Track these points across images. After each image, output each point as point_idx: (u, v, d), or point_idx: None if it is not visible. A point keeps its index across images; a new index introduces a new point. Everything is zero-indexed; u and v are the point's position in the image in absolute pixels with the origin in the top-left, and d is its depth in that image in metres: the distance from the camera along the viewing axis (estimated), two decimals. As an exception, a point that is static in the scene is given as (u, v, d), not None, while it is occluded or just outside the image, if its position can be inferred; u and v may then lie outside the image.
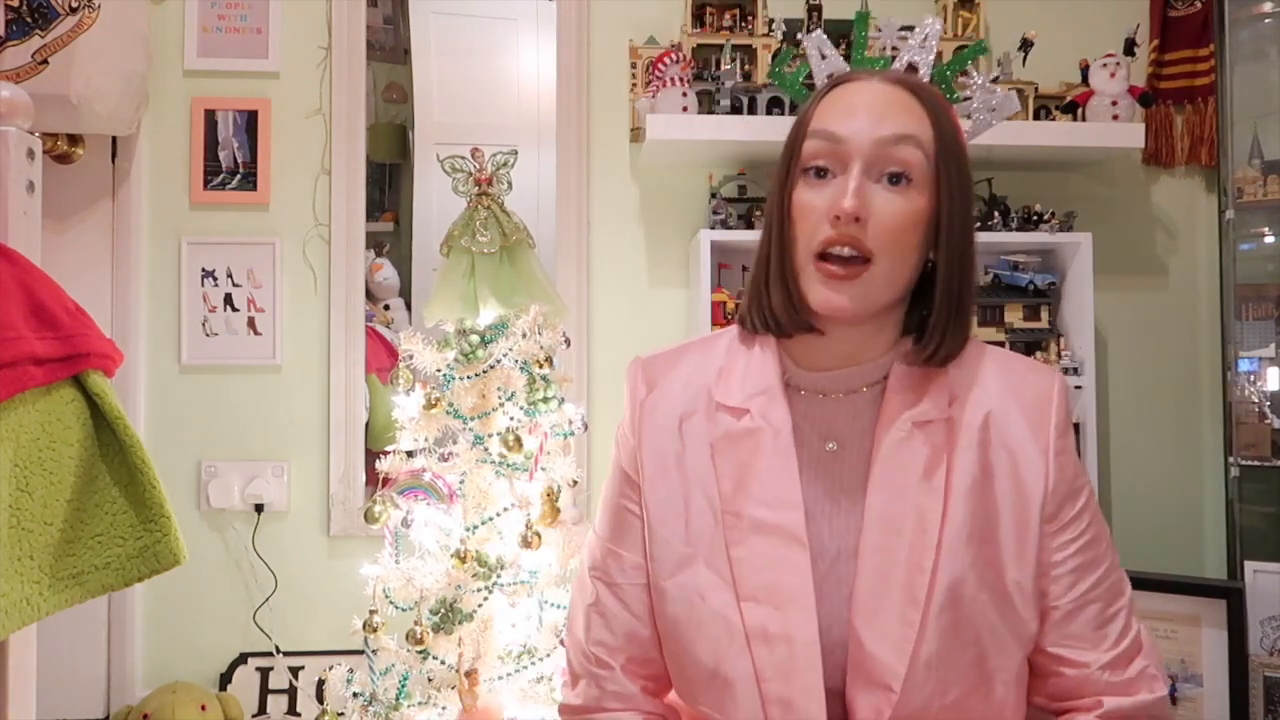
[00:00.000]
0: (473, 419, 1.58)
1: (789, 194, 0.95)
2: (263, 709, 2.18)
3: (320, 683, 2.13)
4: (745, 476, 0.97)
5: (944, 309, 0.95)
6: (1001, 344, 2.21)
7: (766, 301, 0.98)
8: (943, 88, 1.00)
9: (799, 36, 0.99)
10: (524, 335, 1.58)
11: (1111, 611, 0.96)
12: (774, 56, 2.22)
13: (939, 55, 2.23)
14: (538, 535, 1.52)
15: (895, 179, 0.91)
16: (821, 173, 0.93)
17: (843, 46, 0.97)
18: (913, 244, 0.92)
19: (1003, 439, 0.95)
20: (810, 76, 1.04)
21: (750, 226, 2.17)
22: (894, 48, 1.03)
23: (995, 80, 2.21)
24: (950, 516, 0.92)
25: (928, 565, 0.90)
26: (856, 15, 1.05)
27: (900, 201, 0.91)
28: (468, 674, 1.50)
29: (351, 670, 1.62)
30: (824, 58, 1.04)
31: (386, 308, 2.83)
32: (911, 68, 1.01)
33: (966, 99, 1.01)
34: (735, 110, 2.13)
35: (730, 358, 1.03)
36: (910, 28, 1.02)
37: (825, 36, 1.04)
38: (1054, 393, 0.97)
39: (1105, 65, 2.18)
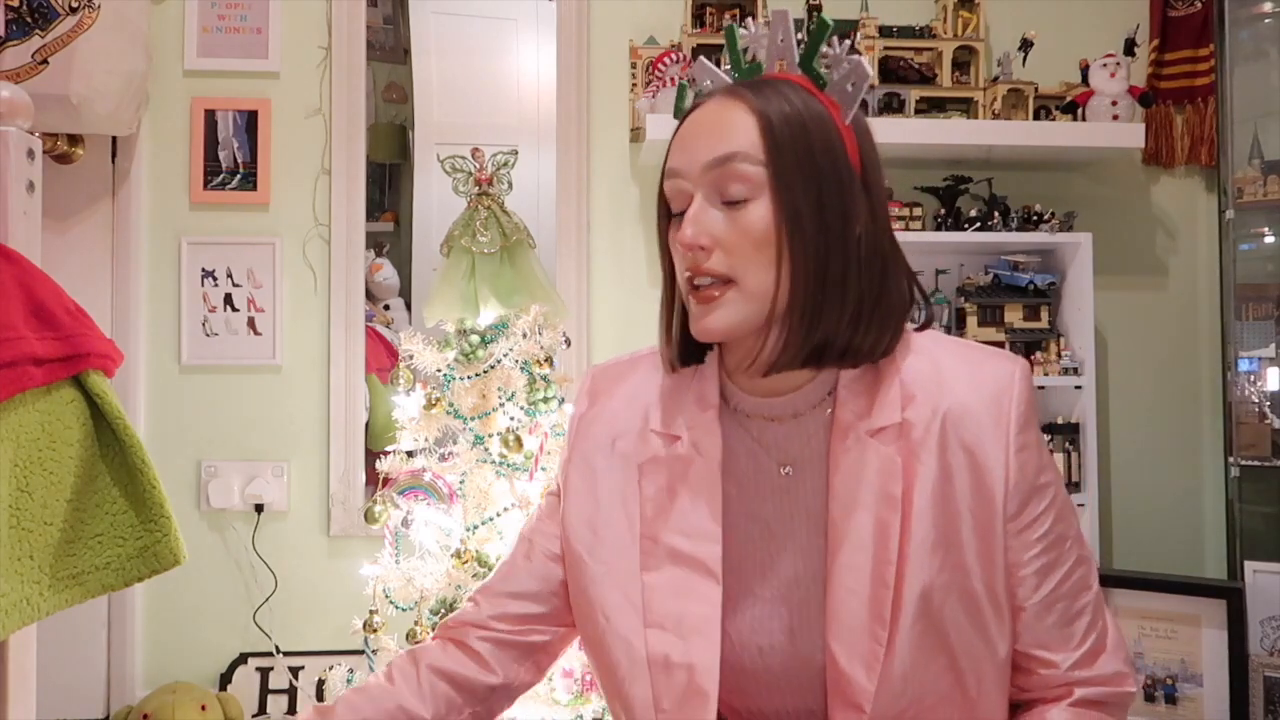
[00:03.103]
0: (473, 419, 1.58)
1: (664, 236, 0.98)
2: (263, 709, 2.18)
3: (320, 683, 2.14)
4: (667, 503, 0.96)
5: (791, 316, 0.90)
6: (1001, 344, 2.21)
7: (661, 340, 1.01)
8: (810, 76, 0.97)
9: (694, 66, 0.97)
10: (524, 335, 1.59)
11: (1077, 608, 0.94)
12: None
13: (936, 54, 2.23)
14: (538, 535, 1.52)
15: (731, 200, 0.90)
16: (681, 211, 0.94)
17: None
18: (771, 256, 0.89)
19: (961, 438, 0.92)
20: None
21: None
22: (762, 52, 1.01)
23: (996, 80, 2.22)
24: (913, 526, 0.90)
25: (891, 579, 0.89)
26: (725, 31, 1.03)
27: (740, 219, 0.89)
28: (468, 674, 1.50)
29: (351, 670, 1.62)
30: (711, 82, 1.02)
31: (386, 308, 2.83)
32: (781, 65, 0.99)
33: (834, 77, 0.97)
34: (735, 110, 2.12)
35: (674, 379, 1.02)
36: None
37: (705, 61, 1.03)
38: (1014, 382, 0.94)
39: (1105, 65, 2.18)
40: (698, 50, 2.20)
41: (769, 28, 1.00)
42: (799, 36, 1.00)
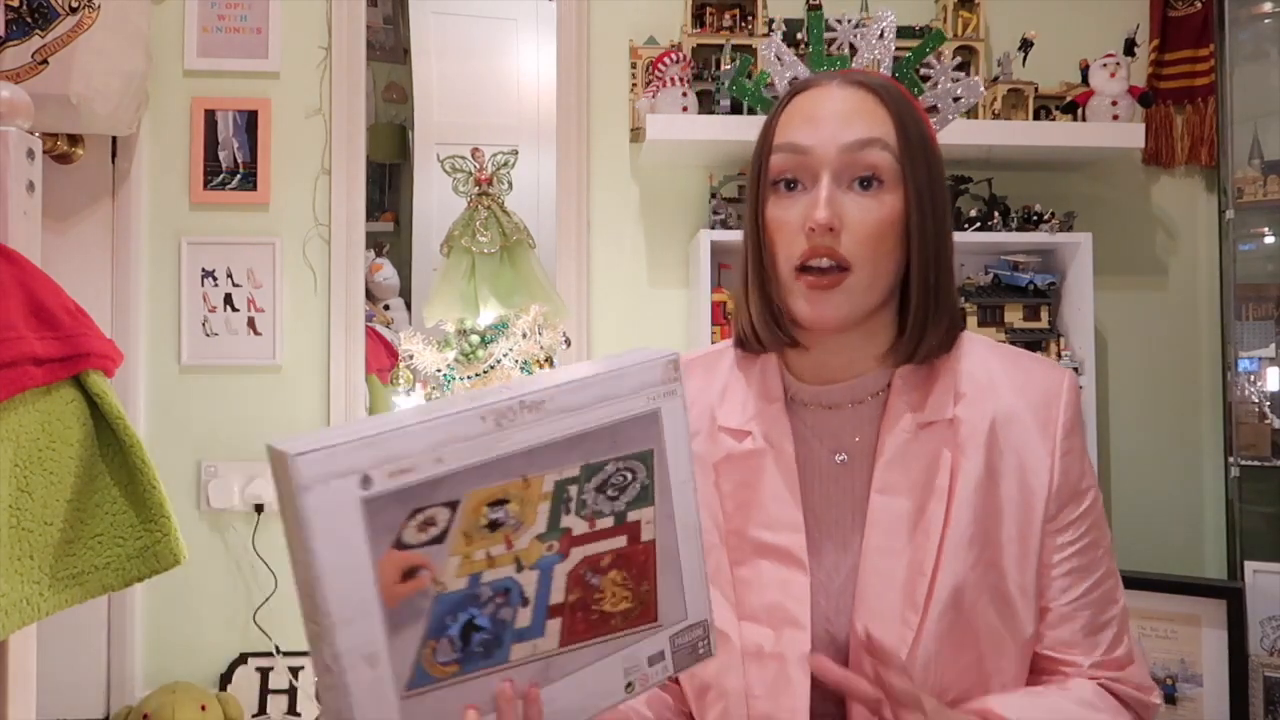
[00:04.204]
0: (473, 419, 1.58)
1: (761, 210, 0.95)
2: (263, 709, 2.18)
3: (320, 683, 2.14)
4: (747, 498, 0.97)
5: (920, 307, 0.94)
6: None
7: (747, 319, 0.99)
8: (905, 82, 0.99)
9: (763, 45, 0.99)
10: (524, 335, 1.59)
11: (1104, 619, 0.95)
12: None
13: (939, 55, 2.23)
14: (538, 535, 1.52)
15: (866, 183, 0.91)
16: (791, 185, 0.93)
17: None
18: (891, 247, 0.91)
19: (1010, 441, 0.94)
20: (770, 84, 1.04)
21: (750, 226, 2.18)
22: (851, 45, 1.02)
23: (996, 80, 2.22)
24: (953, 519, 0.91)
25: (928, 568, 0.90)
26: (810, 15, 1.04)
27: (873, 206, 0.90)
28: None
29: (351, 670, 1.62)
30: (781, 63, 1.03)
31: (386, 308, 2.83)
32: (873, 64, 1.00)
33: (934, 87, 1.00)
34: (735, 110, 2.13)
35: (733, 376, 1.03)
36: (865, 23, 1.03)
37: (781, 41, 1.04)
38: (1063, 390, 0.96)
39: (1105, 65, 2.18)
40: (698, 50, 2.20)
41: (864, 25, 1.02)
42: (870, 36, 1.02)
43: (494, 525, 0.82)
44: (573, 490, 0.83)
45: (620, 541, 0.84)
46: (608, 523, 0.84)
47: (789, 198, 0.93)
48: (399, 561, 0.78)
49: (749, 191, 0.98)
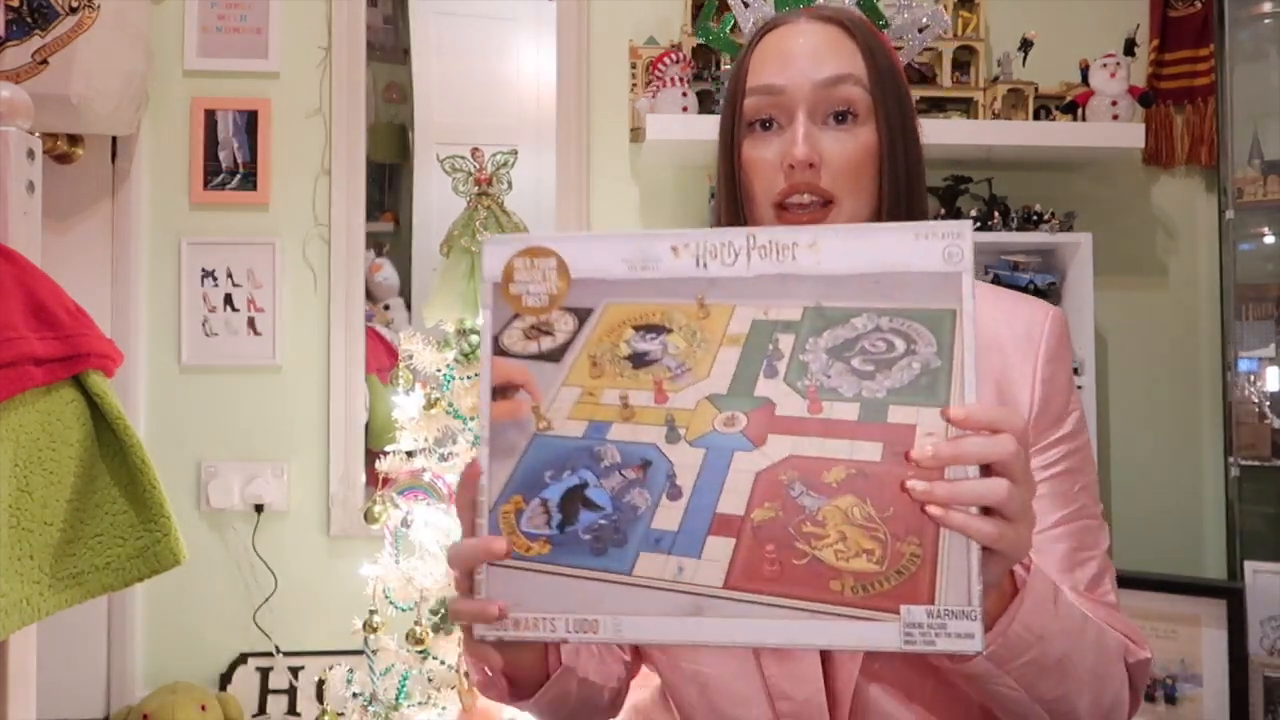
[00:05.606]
0: (473, 419, 1.58)
1: (737, 152, 0.96)
2: (263, 709, 2.18)
3: (320, 683, 2.13)
4: None
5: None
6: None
7: None
8: (869, 15, 1.00)
9: None
10: (524, 335, 1.59)
11: (1082, 556, 0.90)
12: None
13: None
14: (538, 535, 1.52)
15: (841, 117, 0.92)
16: (767, 124, 0.94)
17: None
18: (870, 178, 0.93)
19: (988, 368, 0.92)
20: (736, 28, 1.05)
21: (750, 226, 2.17)
22: None
23: (996, 80, 2.21)
24: None
25: None
26: None
27: (849, 139, 0.92)
28: (467, 674, 1.50)
29: (351, 670, 1.62)
30: (747, 5, 1.04)
31: (386, 308, 2.83)
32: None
33: (899, 14, 1.01)
34: (735, 110, 2.13)
35: None
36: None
37: None
38: (1046, 320, 0.95)
39: (1105, 65, 2.18)
40: (698, 50, 2.20)
41: None
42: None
43: (639, 359, 0.57)
44: (785, 343, 0.55)
45: (870, 451, 0.54)
46: (848, 412, 0.54)
47: (765, 137, 0.94)
48: (498, 371, 0.60)
49: (721, 135, 0.98)
